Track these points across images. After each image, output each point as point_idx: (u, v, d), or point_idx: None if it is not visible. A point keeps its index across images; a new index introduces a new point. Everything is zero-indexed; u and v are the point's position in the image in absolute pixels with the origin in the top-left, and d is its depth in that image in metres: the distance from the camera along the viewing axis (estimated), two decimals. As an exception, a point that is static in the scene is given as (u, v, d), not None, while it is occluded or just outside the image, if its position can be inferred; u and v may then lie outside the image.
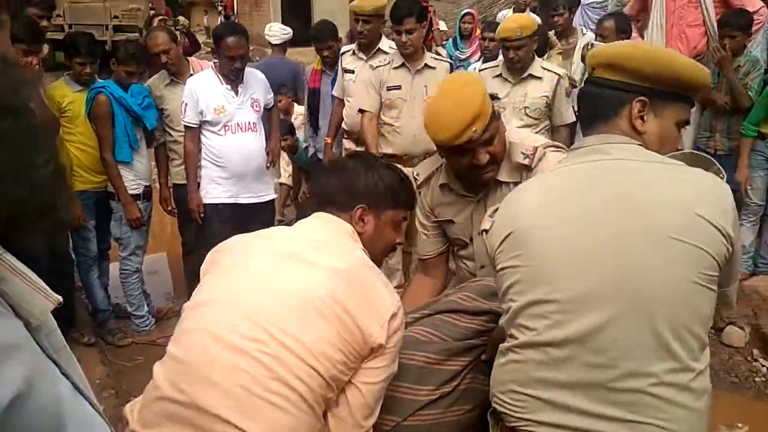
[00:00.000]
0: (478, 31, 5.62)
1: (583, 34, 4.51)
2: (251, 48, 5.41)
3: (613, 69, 1.38)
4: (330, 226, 1.53)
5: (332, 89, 4.23)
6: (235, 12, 15.95)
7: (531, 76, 3.65)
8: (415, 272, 2.55)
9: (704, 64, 4.13)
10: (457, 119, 1.83)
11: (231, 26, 4.20)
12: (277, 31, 5.43)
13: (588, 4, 5.46)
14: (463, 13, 5.79)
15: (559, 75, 3.67)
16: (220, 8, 16.94)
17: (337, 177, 1.63)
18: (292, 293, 1.36)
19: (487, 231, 1.50)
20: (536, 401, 1.29)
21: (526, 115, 3.65)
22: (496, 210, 1.50)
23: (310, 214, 1.60)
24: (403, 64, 3.64)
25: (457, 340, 1.64)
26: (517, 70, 3.65)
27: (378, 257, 1.63)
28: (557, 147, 2.05)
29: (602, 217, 1.28)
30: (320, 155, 4.41)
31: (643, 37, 4.58)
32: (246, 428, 1.24)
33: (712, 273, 1.23)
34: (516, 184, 1.91)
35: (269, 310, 1.34)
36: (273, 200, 3.85)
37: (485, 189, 2.04)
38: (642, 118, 1.37)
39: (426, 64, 3.66)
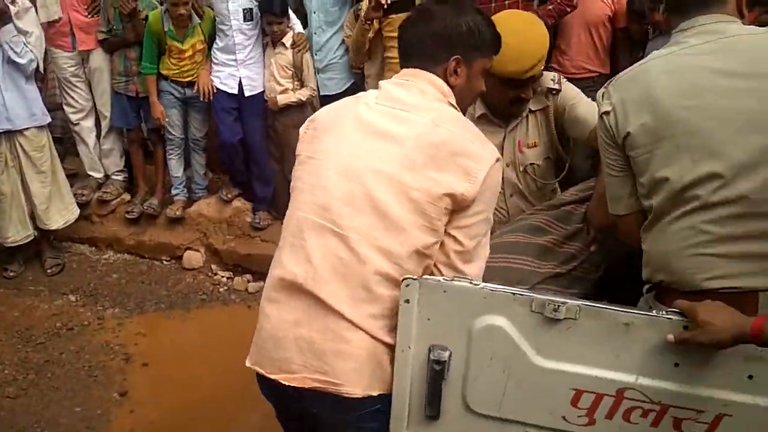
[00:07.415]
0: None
1: None
2: None
3: None
4: (418, 85, 1.50)
5: None
6: None
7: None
8: None
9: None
10: (530, 56, 1.94)
11: None
12: None
13: None
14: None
15: None
16: None
17: (425, 24, 1.52)
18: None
19: (607, 113, 1.53)
20: (721, 258, 1.38)
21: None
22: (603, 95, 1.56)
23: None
24: None
25: (569, 226, 1.89)
26: None
27: (464, 110, 1.61)
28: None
29: (730, 89, 1.39)
30: None
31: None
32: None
33: None
34: (542, 110, 2.10)
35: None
36: None
37: (515, 120, 2.12)
38: None
39: None
